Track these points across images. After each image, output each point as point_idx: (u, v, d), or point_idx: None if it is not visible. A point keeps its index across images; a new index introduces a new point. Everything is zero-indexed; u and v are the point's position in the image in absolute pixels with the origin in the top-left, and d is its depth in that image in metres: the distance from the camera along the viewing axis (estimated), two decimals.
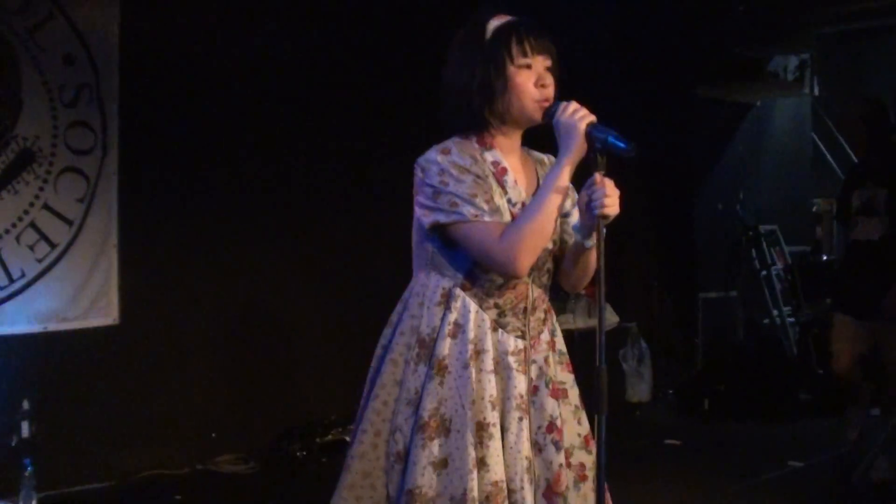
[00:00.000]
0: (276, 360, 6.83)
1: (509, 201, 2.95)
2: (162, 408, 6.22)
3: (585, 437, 3.11)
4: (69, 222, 5.81)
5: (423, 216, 2.92)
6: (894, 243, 6.12)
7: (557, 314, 3.22)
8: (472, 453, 2.85)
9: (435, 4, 6.95)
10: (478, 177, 2.89)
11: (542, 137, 3.06)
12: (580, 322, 7.77)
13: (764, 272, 10.10)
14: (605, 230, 2.77)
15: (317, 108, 6.92)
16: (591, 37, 7.99)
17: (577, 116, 2.82)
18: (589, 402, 2.99)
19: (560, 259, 3.15)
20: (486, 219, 2.85)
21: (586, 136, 2.81)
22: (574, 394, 3.15)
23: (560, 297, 7.16)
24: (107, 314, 5.99)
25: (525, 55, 2.94)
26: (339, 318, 6.97)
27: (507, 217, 2.92)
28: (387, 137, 7.03)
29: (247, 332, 6.69)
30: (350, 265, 7.01)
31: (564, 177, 2.86)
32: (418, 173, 2.94)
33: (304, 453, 6.58)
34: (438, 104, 3.04)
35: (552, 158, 3.19)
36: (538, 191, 2.92)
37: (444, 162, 2.89)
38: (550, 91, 2.96)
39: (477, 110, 2.94)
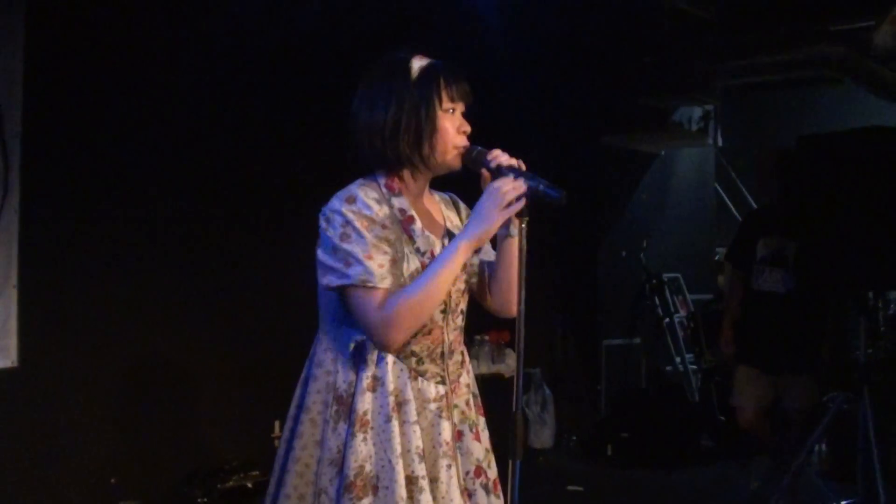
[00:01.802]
0: (178, 405, 6.73)
1: (417, 250, 2.89)
2: (61, 452, 6.09)
3: (494, 480, 3.08)
4: None
5: (320, 275, 2.84)
6: (801, 297, 6.18)
7: None
8: None
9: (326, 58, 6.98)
10: (383, 227, 2.81)
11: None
12: (483, 367, 7.79)
13: (667, 320, 10.21)
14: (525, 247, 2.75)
15: (226, 152, 6.87)
16: (497, 84, 8.04)
17: (505, 201, 2.79)
18: (500, 446, 2.98)
19: (480, 286, 3.14)
20: (373, 283, 2.76)
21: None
22: (485, 437, 3.11)
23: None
24: (5, 357, 5.85)
25: (452, 100, 2.92)
26: (240, 363, 6.90)
27: (415, 266, 2.86)
28: (295, 185, 7.00)
29: (147, 376, 6.59)
30: (252, 310, 6.95)
31: (463, 256, 2.83)
32: (322, 224, 2.85)
33: (205, 500, 6.48)
34: (347, 141, 3.00)
35: (454, 197, 3.20)
36: (431, 265, 2.84)
37: (348, 213, 2.80)
38: (466, 138, 2.97)
39: (401, 152, 2.88)
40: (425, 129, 2.88)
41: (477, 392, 3.14)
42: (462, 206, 3.20)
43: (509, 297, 3.08)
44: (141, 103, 6.44)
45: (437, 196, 3.15)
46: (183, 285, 6.64)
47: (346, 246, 2.78)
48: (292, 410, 2.98)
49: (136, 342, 6.50)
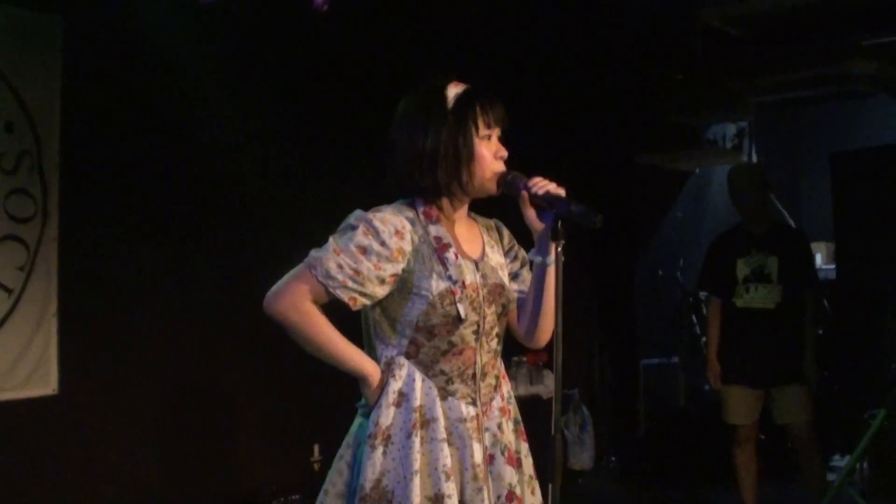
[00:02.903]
0: (218, 430, 6.75)
1: (450, 278, 2.90)
2: (100, 479, 6.12)
3: None
4: (8, 291, 5.73)
5: (315, 249, 2.91)
6: (789, 311, 6.29)
7: None
8: None
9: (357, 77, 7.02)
10: (382, 244, 2.86)
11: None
12: (521, 389, 7.76)
13: (704, 338, 10.15)
14: (561, 287, 2.74)
15: (260, 180, 6.92)
16: (530, 105, 8.06)
17: None
18: (539, 469, 2.98)
19: (516, 318, 3.15)
20: (315, 273, 2.84)
21: (550, 207, 2.83)
22: (528, 463, 3.09)
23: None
24: (45, 384, 5.89)
25: (488, 126, 2.94)
26: (279, 388, 6.92)
27: (444, 286, 2.88)
28: (332, 215, 7.02)
29: (187, 401, 6.62)
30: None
31: (353, 370, 2.93)
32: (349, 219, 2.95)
33: None
34: (384, 168, 3.03)
35: (499, 223, 3.22)
36: (341, 343, 2.92)
37: (361, 219, 2.91)
38: (503, 163, 2.99)
39: (439, 181, 2.91)
40: (463, 157, 2.90)
41: (519, 418, 3.14)
42: (505, 231, 3.22)
43: (538, 325, 3.11)
44: (180, 132, 6.49)
45: (480, 221, 3.17)
46: (222, 310, 6.67)
47: (332, 237, 2.91)
48: None
49: (175, 368, 6.53)
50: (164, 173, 6.42)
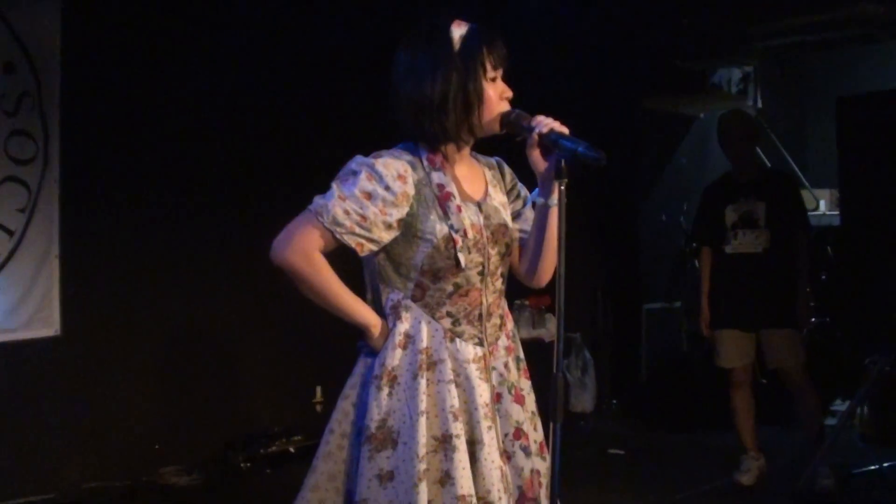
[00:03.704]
0: (220, 371, 6.78)
1: (451, 227, 2.87)
2: (104, 419, 6.15)
3: (541, 443, 3.06)
4: (10, 233, 5.73)
5: (318, 195, 2.88)
6: (778, 255, 6.33)
7: None
8: (419, 466, 2.78)
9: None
10: (387, 188, 2.83)
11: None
12: (524, 333, 7.77)
13: None
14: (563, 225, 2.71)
15: (263, 123, 6.90)
16: (536, 48, 8.01)
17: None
18: (541, 410, 2.98)
19: (517, 256, 3.14)
20: (322, 220, 2.81)
21: (554, 145, 2.80)
22: (531, 400, 3.09)
23: None
24: (48, 325, 5.92)
25: (494, 68, 2.91)
26: (282, 329, 6.94)
27: (444, 233, 2.86)
28: (334, 159, 7.00)
29: (190, 342, 6.63)
30: None
31: (355, 321, 2.91)
32: (350, 165, 2.92)
33: (249, 464, 6.55)
34: (389, 112, 3.00)
35: (500, 161, 3.20)
36: (345, 292, 2.90)
37: (362, 163, 2.88)
38: (508, 103, 2.96)
39: (448, 127, 2.88)
40: (474, 102, 2.87)
41: (522, 356, 3.13)
42: (507, 169, 3.19)
43: (539, 266, 3.10)
44: (179, 76, 6.46)
45: (481, 160, 3.14)
46: (224, 251, 6.68)
47: (335, 183, 2.87)
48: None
49: (178, 309, 6.55)
50: (167, 114, 6.41)
